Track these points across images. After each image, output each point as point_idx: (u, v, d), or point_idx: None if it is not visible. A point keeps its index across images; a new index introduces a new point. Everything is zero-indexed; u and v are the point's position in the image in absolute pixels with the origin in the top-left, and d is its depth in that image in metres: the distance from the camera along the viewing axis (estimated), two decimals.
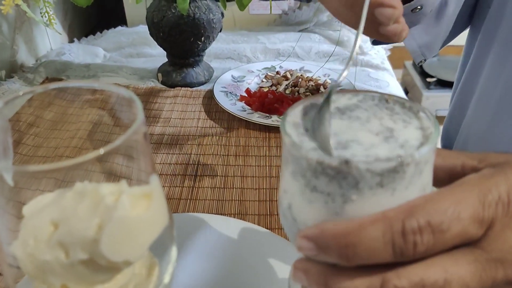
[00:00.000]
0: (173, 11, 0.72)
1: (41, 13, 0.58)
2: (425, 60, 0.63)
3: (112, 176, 0.25)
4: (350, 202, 0.22)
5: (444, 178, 0.26)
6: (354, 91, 0.28)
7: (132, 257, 0.24)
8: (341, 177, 0.22)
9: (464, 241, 0.22)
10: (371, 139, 0.24)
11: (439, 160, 0.26)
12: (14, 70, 0.84)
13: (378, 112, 0.26)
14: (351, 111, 0.26)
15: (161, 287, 0.28)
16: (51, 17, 0.56)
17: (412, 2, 0.49)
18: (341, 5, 0.45)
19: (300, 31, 1.07)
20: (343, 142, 0.24)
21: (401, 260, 0.21)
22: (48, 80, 0.80)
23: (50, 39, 0.97)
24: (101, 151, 0.21)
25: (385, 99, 0.27)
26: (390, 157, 0.22)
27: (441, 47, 0.63)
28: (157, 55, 0.96)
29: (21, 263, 0.24)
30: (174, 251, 0.28)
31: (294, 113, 0.26)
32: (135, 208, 0.24)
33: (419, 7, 0.50)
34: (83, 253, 0.23)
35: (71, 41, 1.05)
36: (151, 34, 0.77)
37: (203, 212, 0.53)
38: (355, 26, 0.33)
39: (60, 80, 0.80)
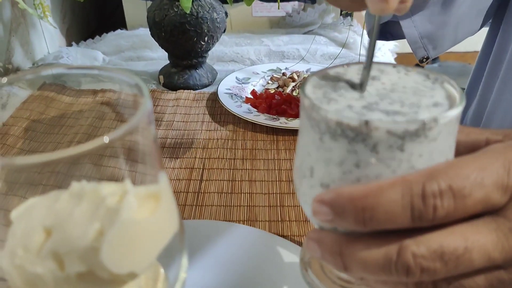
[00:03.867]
0: (176, 9, 0.69)
1: (34, 4, 0.54)
2: (427, 58, 0.58)
3: (114, 173, 0.21)
4: (369, 166, 0.21)
5: (466, 153, 0.24)
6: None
7: (138, 269, 0.20)
8: (360, 139, 0.21)
9: (487, 209, 0.21)
10: (396, 107, 0.23)
11: (462, 136, 0.25)
12: (9, 74, 0.81)
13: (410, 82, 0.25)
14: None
15: None
16: (45, 9, 0.53)
17: None
18: None
19: (305, 33, 1.04)
20: (368, 106, 0.23)
21: (419, 225, 0.20)
22: (46, 84, 0.77)
23: (47, 42, 0.94)
24: (106, 138, 0.18)
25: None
26: (412, 119, 0.21)
27: (453, 44, 0.59)
28: (158, 58, 0.93)
29: (8, 276, 0.21)
30: (184, 261, 0.24)
31: (315, 78, 0.26)
32: (141, 210, 0.20)
33: None
34: (80, 264, 0.20)
35: (69, 44, 1.02)
36: (152, 34, 0.74)
37: (210, 218, 0.49)
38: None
39: (58, 85, 0.77)
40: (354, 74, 0.26)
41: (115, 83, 0.24)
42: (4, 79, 0.22)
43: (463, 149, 0.25)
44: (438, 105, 0.23)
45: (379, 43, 0.94)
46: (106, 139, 0.18)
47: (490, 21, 0.61)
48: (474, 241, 0.20)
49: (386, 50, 1.00)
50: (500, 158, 0.21)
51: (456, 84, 0.24)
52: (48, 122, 0.70)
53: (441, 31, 0.57)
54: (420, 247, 0.20)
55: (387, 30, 0.61)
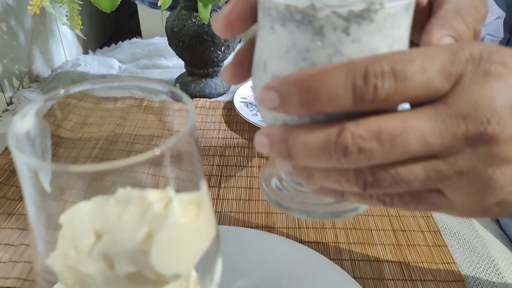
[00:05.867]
0: (194, 20, 0.71)
1: (66, 16, 0.56)
2: None
3: (159, 181, 0.23)
4: (316, 51, 0.22)
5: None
6: None
7: (182, 270, 0.22)
8: (307, 21, 0.21)
9: (428, 96, 0.21)
10: None
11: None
12: (30, 80, 0.83)
13: None
14: None
15: None
16: (77, 21, 0.55)
17: None
18: None
19: None
20: None
21: (361, 107, 0.20)
22: None
23: (65, 50, 0.96)
24: (156, 151, 0.19)
25: None
26: (358, 1, 0.21)
27: None
28: (173, 67, 0.95)
29: (60, 276, 0.22)
30: (219, 265, 0.26)
31: None
32: (185, 216, 0.22)
33: None
34: (130, 265, 0.21)
35: (85, 52, 1.04)
36: (170, 44, 0.75)
37: (230, 224, 0.51)
38: None
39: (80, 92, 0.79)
40: None
41: (144, 92, 0.25)
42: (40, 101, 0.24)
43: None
44: None
45: None
46: (157, 151, 0.19)
47: None
48: (412, 123, 0.20)
49: None
50: (447, 48, 0.21)
51: None
52: (71, 128, 0.72)
53: None
54: (359, 127, 0.20)
55: None
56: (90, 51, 1.02)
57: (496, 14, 0.55)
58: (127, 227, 0.21)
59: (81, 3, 0.56)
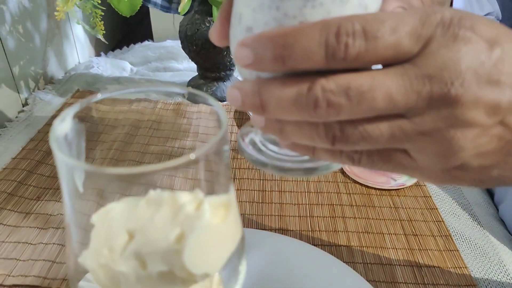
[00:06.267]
0: (207, 24, 0.72)
1: (90, 21, 0.58)
2: None
3: (189, 183, 0.24)
4: (287, 3, 0.22)
5: None
6: None
7: (212, 270, 0.23)
8: None
9: (398, 57, 0.21)
10: None
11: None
12: (45, 82, 0.84)
13: None
14: None
15: None
16: (100, 26, 0.56)
17: None
18: None
19: None
20: None
21: (333, 65, 0.21)
22: (80, 92, 0.80)
23: (78, 52, 0.97)
24: (192, 156, 0.20)
25: None
26: None
27: None
28: (184, 70, 0.96)
29: (93, 273, 0.23)
30: (244, 266, 0.27)
31: None
32: (215, 217, 0.23)
33: None
34: (162, 264, 0.22)
35: (98, 54, 1.05)
36: (183, 47, 0.76)
37: (243, 227, 0.51)
38: None
39: (92, 92, 0.80)
40: None
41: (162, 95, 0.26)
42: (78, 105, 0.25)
43: None
44: None
45: None
46: (192, 156, 0.20)
47: None
48: (380, 81, 0.21)
49: None
50: (418, 12, 0.21)
51: None
52: (85, 129, 0.73)
53: None
54: (330, 82, 0.21)
55: None
56: (102, 53, 1.03)
57: (486, 10, 0.54)
58: (159, 227, 0.22)
59: (104, 8, 0.57)
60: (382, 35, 0.20)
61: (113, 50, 1.05)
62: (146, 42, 1.07)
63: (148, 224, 0.22)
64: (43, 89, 0.81)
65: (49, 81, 0.85)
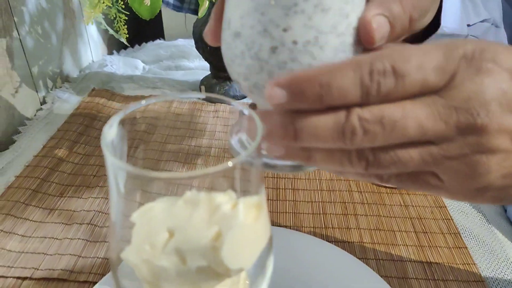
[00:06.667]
0: None
1: (114, 25, 0.60)
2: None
3: (223, 185, 0.26)
4: (273, 6, 0.24)
5: None
6: None
7: (246, 265, 0.25)
8: None
9: (425, 90, 0.23)
10: None
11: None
12: (61, 80, 0.86)
13: None
14: None
15: None
16: (124, 30, 0.58)
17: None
18: None
19: None
20: None
21: (366, 101, 0.23)
22: (96, 90, 0.82)
23: (92, 51, 0.99)
24: (229, 163, 0.22)
25: None
26: None
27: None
28: (195, 68, 0.98)
29: (135, 268, 0.25)
30: (271, 262, 0.29)
31: None
32: (249, 216, 0.25)
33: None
34: (201, 260, 0.24)
35: (110, 53, 1.07)
36: (197, 48, 0.78)
37: None
38: None
39: (107, 91, 0.82)
40: None
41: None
42: (122, 113, 0.27)
43: None
44: None
45: None
46: (230, 163, 0.22)
47: None
48: (410, 111, 0.23)
49: None
50: (442, 47, 0.23)
51: None
52: (100, 127, 0.75)
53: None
54: (365, 111, 0.23)
55: None
56: (114, 51, 1.05)
57: (483, 16, 0.55)
58: (197, 226, 0.24)
59: (128, 13, 0.58)
60: (409, 73, 0.22)
61: (125, 48, 1.07)
62: (157, 41, 1.09)
63: (187, 223, 0.24)
64: (60, 87, 0.83)
65: (65, 79, 0.87)
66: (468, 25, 0.52)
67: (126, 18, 0.59)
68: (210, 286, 0.26)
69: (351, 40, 0.27)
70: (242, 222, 0.24)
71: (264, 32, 0.25)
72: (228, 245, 0.23)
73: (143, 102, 0.26)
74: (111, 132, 0.24)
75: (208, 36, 0.30)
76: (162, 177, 0.22)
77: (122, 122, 0.25)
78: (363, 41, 0.28)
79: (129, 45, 0.71)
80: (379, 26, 0.27)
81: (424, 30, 0.46)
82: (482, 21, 0.54)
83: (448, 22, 0.47)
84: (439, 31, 0.46)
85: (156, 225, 0.25)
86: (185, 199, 0.25)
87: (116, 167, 0.23)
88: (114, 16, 0.57)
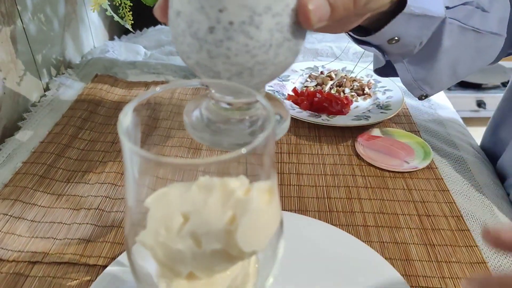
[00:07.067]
0: None
1: (119, 12, 0.60)
2: (426, 96, 0.57)
3: (236, 170, 0.26)
4: None
5: None
6: None
7: (259, 248, 0.25)
8: None
9: None
10: None
11: None
12: (64, 67, 0.86)
13: None
14: None
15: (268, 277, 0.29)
16: (129, 16, 0.58)
17: (383, 30, 0.46)
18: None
19: None
20: None
21: None
22: (98, 76, 0.82)
23: (93, 36, 0.99)
24: (243, 150, 0.22)
25: None
26: None
27: (455, 81, 0.57)
28: None
29: (151, 251, 0.26)
30: (281, 244, 0.29)
31: None
32: (262, 201, 0.25)
33: (396, 38, 0.48)
34: (216, 243, 0.24)
35: (111, 38, 1.07)
36: None
37: None
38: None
39: (110, 77, 0.82)
40: None
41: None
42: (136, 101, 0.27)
43: None
44: None
45: None
46: (244, 150, 0.23)
47: None
48: None
49: None
50: None
51: None
52: (104, 113, 0.76)
53: (434, 75, 0.55)
54: None
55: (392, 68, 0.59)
56: (115, 37, 1.05)
57: None
58: (212, 210, 0.25)
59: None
60: None
61: (126, 33, 1.07)
62: (159, 26, 1.08)
63: (202, 207, 0.25)
64: (63, 74, 0.83)
65: (68, 65, 0.87)
66: (448, 8, 0.51)
67: (131, 4, 0.59)
68: (223, 268, 0.27)
69: (289, 20, 0.28)
70: (256, 207, 0.24)
71: (202, 11, 0.26)
72: (243, 228, 0.24)
73: (158, 89, 0.27)
74: (126, 119, 0.24)
75: (157, 12, 0.31)
76: (177, 163, 0.23)
77: (136, 110, 0.26)
78: (301, 22, 0.28)
79: (133, 31, 0.70)
80: (316, 8, 0.28)
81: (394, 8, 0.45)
82: (464, 4, 0.52)
83: (421, 2, 0.47)
84: (406, 10, 0.45)
85: (170, 210, 0.26)
86: (199, 184, 0.26)
87: (133, 153, 0.23)
88: (119, 2, 0.56)
